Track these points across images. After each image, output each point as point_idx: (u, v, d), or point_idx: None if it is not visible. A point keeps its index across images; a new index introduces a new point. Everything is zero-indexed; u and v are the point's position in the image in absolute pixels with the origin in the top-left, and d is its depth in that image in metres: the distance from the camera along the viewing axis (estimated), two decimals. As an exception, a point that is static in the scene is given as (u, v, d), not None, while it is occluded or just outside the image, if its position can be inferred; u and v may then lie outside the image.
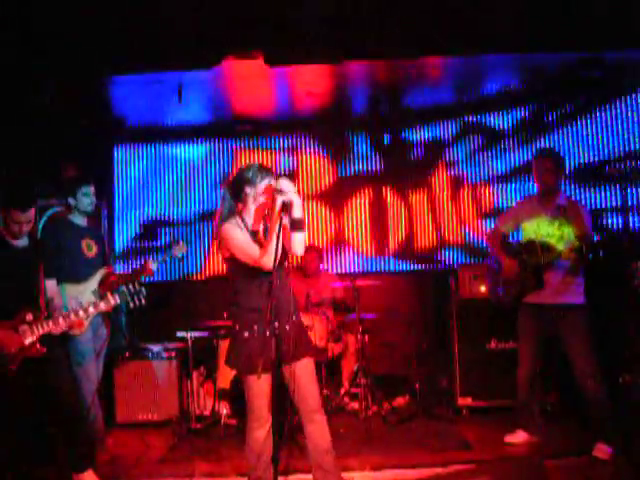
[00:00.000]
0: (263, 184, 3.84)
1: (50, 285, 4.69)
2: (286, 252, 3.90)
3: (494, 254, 5.40)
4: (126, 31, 5.20)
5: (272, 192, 3.75)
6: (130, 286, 4.71)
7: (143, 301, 4.72)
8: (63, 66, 5.40)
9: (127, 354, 6.61)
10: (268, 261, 3.67)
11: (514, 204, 5.62)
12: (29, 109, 6.08)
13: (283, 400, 3.99)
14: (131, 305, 4.67)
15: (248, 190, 3.86)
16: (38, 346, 4.33)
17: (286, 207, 3.65)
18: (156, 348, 6.68)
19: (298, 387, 3.87)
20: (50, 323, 4.38)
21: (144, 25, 5.19)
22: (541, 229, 5.08)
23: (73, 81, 5.81)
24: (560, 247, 4.89)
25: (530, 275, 5.04)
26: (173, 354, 6.65)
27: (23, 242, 4.56)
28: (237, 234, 3.84)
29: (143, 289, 4.74)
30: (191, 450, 5.54)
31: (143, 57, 5.28)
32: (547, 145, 7.23)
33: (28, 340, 4.30)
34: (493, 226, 5.55)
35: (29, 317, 4.34)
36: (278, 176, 3.86)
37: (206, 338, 6.41)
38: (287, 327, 3.85)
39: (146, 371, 6.57)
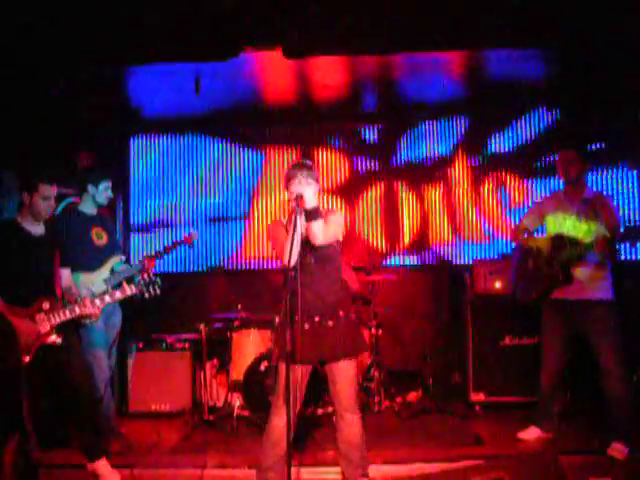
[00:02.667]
0: (291, 181, 3.88)
1: (65, 274, 4.73)
2: (315, 246, 3.90)
3: (526, 243, 5.29)
4: (143, 21, 5.19)
5: (288, 186, 3.81)
6: (145, 276, 4.71)
7: (158, 291, 4.73)
8: (79, 57, 5.40)
9: (141, 344, 6.63)
10: (284, 256, 3.71)
11: (539, 199, 5.59)
12: (45, 100, 6.09)
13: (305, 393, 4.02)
14: (146, 295, 4.68)
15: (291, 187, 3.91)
16: (54, 336, 4.36)
17: (297, 200, 3.69)
18: (170, 339, 6.71)
19: (333, 385, 3.91)
20: (67, 311, 4.41)
21: (161, 15, 5.17)
22: (567, 223, 5.02)
23: (89, 71, 5.82)
24: (587, 241, 4.81)
25: (558, 270, 4.96)
26: (187, 345, 6.67)
27: (39, 230, 4.60)
28: (275, 231, 3.99)
29: (158, 279, 4.74)
30: (203, 441, 5.56)
31: (160, 48, 5.27)
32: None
33: (44, 328, 4.32)
34: (518, 222, 5.48)
35: (46, 306, 4.37)
36: (298, 168, 3.90)
37: (220, 330, 6.42)
38: (330, 323, 3.86)
39: (160, 362, 6.59)
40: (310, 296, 3.71)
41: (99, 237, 5.36)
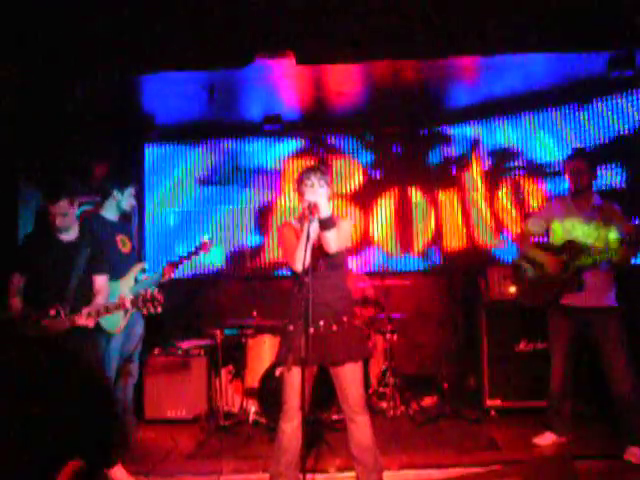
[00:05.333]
0: (304, 186, 3.90)
1: (98, 280, 4.73)
2: (327, 253, 3.92)
3: (527, 252, 5.28)
4: (157, 29, 5.23)
5: (301, 193, 3.85)
6: (144, 293, 4.51)
7: (158, 309, 4.52)
8: (94, 65, 5.45)
9: (157, 351, 6.66)
10: (295, 262, 3.76)
11: (544, 204, 5.58)
12: (61, 109, 6.15)
13: (317, 398, 4.04)
14: (144, 312, 4.54)
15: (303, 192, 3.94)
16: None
17: (311, 208, 3.71)
18: (185, 345, 6.73)
19: (340, 389, 3.93)
20: (66, 321, 4.42)
21: (175, 23, 5.21)
22: (576, 230, 5.01)
23: (104, 80, 5.87)
24: (600, 247, 4.81)
25: (572, 276, 4.94)
26: (202, 351, 6.69)
27: (70, 237, 4.68)
28: (286, 235, 4.02)
29: (159, 297, 4.51)
30: (219, 447, 5.57)
31: (174, 56, 5.31)
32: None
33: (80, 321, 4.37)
34: (522, 227, 5.46)
35: (52, 312, 4.41)
36: (312, 172, 3.92)
37: (235, 336, 6.44)
38: (334, 327, 3.88)
39: (175, 368, 6.61)
40: (316, 301, 3.73)
41: (124, 244, 5.35)
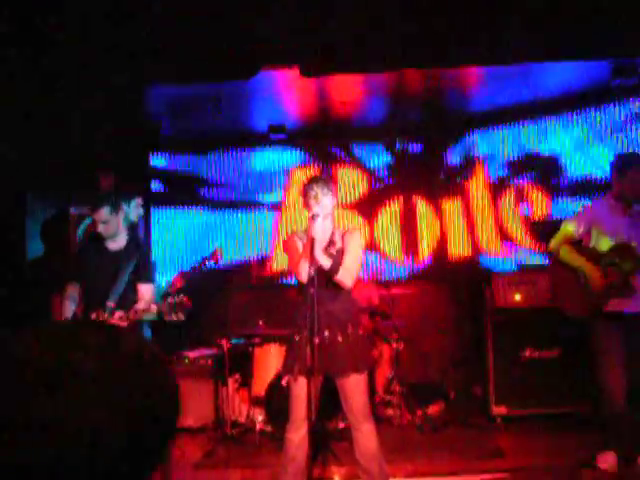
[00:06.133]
0: (308, 197, 3.95)
1: (142, 288, 4.78)
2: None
3: (567, 260, 4.97)
4: (162, 42, 5.29)
5: (306, 204, 3.90)
6: (171, 299, 4.55)
7: (182, 317, 4.54)
8: (100, 77, 5.50)
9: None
10: (299, 272, 3.81)
11: (586, 207, 5.23)
12: (67, 117, 6.21)
13: (323, 407, 4.06)
14: (169, 318, 4.55)
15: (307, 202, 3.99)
16: None
17: (315, 219, 3.77)
18: (192, 354, 6.76)
19: (345, 399, 3.96)
20: (109, 320, 4.51)
21: (180, 36, 5.26)
22: (623, 233, 4.81)
23: (111, 91, 5.92)
24: None
25: (623, 282, 4.72)
26: (209, 361, 6.72)
27: (117, 245, 4.79)
28: (291, 245, 4.09)
29: (188, 303, 4.57)
30: (226, 456, 5.60)
31: (179, 68, 5.36)
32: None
33: None
34: (562, 230, 5.09)
35: (93, 316, 4.52)
36: (315, 183, 3.97)
37: (242, 345, 6.48)
38: (339, 338, 3.91)
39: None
40: (321, 311, 3.77)
41: None
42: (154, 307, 4.56)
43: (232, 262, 7.89)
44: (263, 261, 7.93)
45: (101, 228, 4.69)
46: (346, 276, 3.97)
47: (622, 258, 4.75)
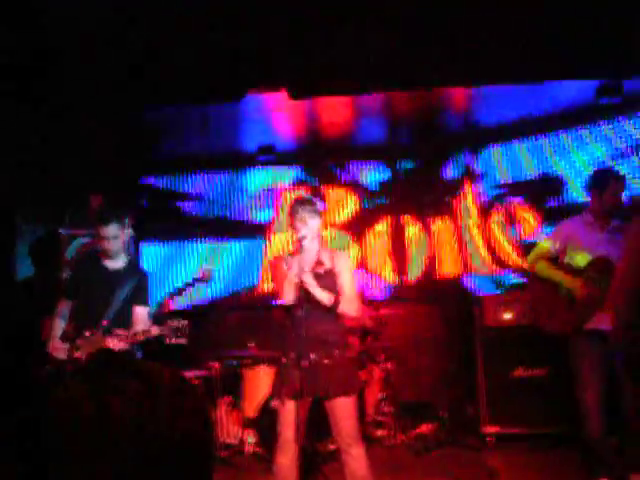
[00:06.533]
0: (295, 220, 3.95)
1: (137, 311, 4.80)
2: (324, 289, 3.96)
3: (549, 275, 4.93)
4: (149, 65, 5.31)
5: (293, 226, 3.91)
6: (175, 323, 4.64)
7: (183, 340, 4.65)
8: (93, 102, 5.52)
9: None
10: (286, 295, 3.80)
11: (562, 224, 5.16)
12: (63, 140, 6.23)
13: (311, 429, 4.04)
14: (169, 340, 4.64)
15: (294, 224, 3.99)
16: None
17: (302, 241, 3.78)
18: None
19: (334, 422, 3.94)
20: (106, 339, 4.52)
21: (168, 59, 5.28)
22: (600, 249, 4.79)
23: (104, 115, 5.95)
24: None
25: (602, 296, 4.61)
26: (199, 382, 6.69)
27: (116, 265, 4.81)
28: (277, 268, 4.08)
29: (185, 326, 4.67)
30: (217, 479, 5.56)
31: (168, 91, 5.38)
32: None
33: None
34: (540, 248, 5.11)
35: (87, 334, 4.52)
36: (302, 204, 3.98)
37: (232, 367, 6.45)
38: (325, 361, 3.89)
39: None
40: (308, 334, 3.76)
41: None
42: (155, 330, 4.58)
43: (223, 285, 7.89)
44: (253, 285, 7.92)
45: (110, 244, 4.72)
46: (349, 307, 4.00)
47: (600, 273, 4.72)
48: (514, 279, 7.41)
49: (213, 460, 1.26)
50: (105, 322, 4.58)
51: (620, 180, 4.97)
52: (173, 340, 4.59)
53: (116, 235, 4.72)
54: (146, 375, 1.23)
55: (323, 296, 3.88)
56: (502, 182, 7.69)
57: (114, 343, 4.49)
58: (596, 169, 5.63)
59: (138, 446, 1.11)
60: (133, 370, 1.25)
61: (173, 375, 1.27)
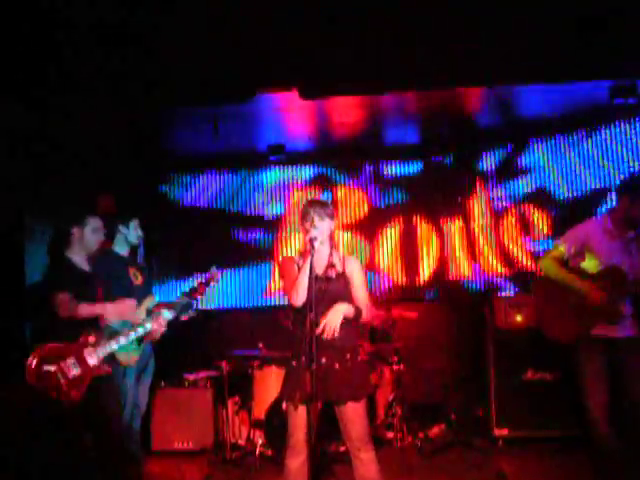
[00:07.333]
0: (305, 221, 3.93)
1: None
2: (335, 292, 3.94)
3: (561, 279, 4.76)
4: (160, 67, 5.30)
5: (303, 227, 3.88)
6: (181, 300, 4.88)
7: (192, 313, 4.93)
8: (105, 102, 5.52)
9: (163, 382, 6.66)
10: (293, 296, 3.78)
11: (579, 227, 4.90)
12: (76, 144, 6.24)
13: (322, 431, 4.03)
14: (182, 318, 4.86)
15: (305, 226, 3.96)
16: (105, 366, 4.45)
17: (312, 243, 3.74)
18: (192, 376, 6.73)
19: (344, 426, 3.91)
20: (113, 343, 4.49)
21: (178, 59, 5.28)
22: (613, 258, 4.65)
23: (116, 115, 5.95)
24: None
25: (613, 306, 4.54)
26: (209, 383, 6.69)
27: (86, 266, 4.82)
28: (287, 269, 4.03)
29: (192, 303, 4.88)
30: (226, 480, 5.57)
31: (180, 91, 5.37)
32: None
33: (94, 361, 4.40)
34: (554, 250, 4.90)
35: (92, 339, 4.46)
36: (312, 206, 3.95)
37: (242, 367, 6.45)
38: (336, 365, 3.87)
39: (182, 399, 6.61)
40: (318, 337, 3.73)
41: (136, 277, 5.41)
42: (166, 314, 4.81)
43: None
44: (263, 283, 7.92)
45: (92, 236, 4.80)
46: (367, 313, 3.99)
47: (612, 282, 4.58)
48: (526, 281, 7.37)
49: None
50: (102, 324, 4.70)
51: None
52: (184, 317, 4.82)
53: (96, 227, 4.80)
54: None
55: (349, 310, 3.89)
56: (515, 182, 7.65)
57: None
58: (635, 176, 5.48)
59: None
60: None
61: None
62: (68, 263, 4.78)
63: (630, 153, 6.87)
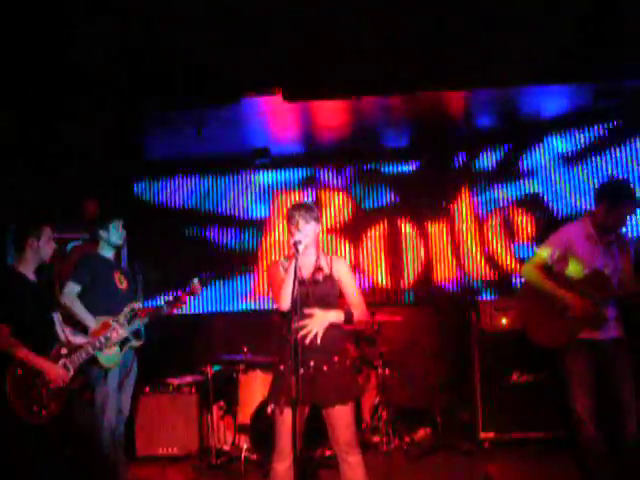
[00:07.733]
0: (291, 224, 3.91)
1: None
2: (322, 295, 3.93)
3: (543, 287, 4.73)
4: (146, 69, 5.28)
5: (289, 231, 3.87)
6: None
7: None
8: (87, 105, 5.49)
9: (147, 388, 6.61)
10: (281, 301, 3.76)
11: (562, 232, 4.87)
12: (52, 147, 6.18)
13: (309, 435, 4.00)
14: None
15: (290, 229, 3.94)
16: (81, 376, 4.43)
17: (297, 246, 3.72)
18: (176, 381, 6.69)
19: (332, 429, 3.89)
20: (83, 353, 4.44)
21: (164, 63, 5.26)
22: (596, 262, 4.66)
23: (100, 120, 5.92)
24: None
25: (598, 311, 4.54)
26: (193, 388, 6.65)
27: (33, 277, 4.57)
28: (274, 273, 4.00)
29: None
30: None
31: (163, 95, 5.35)
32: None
33: (69, 374, 4.35)
34: (536, 257, 4.87)
35: (64, 350, 4.40)
36: (297, 210, 3.94)
37: (226, 372, 6.41)
38: (325, 368, 3.85)
39: (166, 405, 6.57)
40: (307, 341, 3.72)
41: (121, 282, 5.40)
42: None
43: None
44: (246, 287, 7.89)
45: (49, 245, 4.61)
46: (360, 312, 3.98)
47: (595, 288, 4.59)
48: (511, 284, 7.39)
49: None
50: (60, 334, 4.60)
51: (634, 203, 4.72)
52: (172, 310, 5.05)
53: (50, 236, 4.64)
54: None
55: (338, 317, 3.88)
56: (499, 186, 7.68)
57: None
58: (613, 181, 5.50)
59: None
60: None
61: None
62: (18, 277, 4.50)
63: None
